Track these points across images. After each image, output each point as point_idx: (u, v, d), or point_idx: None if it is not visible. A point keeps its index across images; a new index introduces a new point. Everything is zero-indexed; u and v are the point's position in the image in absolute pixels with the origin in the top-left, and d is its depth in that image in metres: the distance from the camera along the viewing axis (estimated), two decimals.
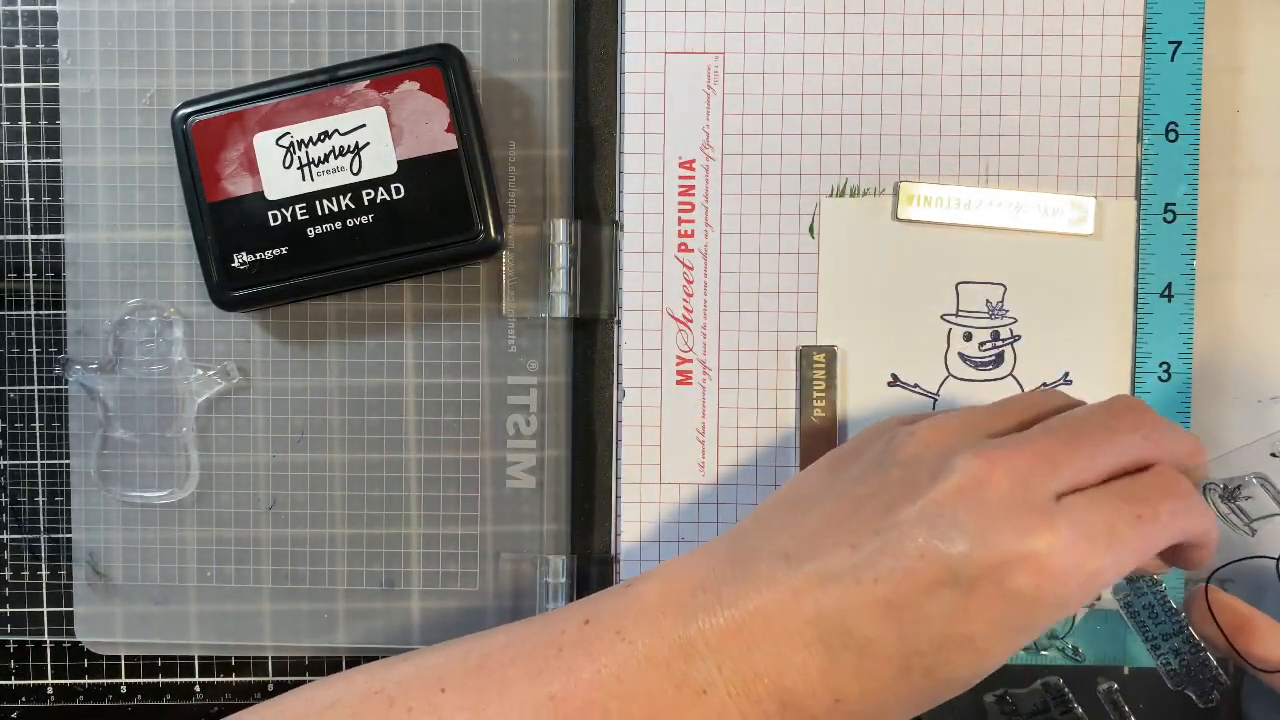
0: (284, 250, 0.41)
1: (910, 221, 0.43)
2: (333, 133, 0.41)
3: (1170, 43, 0.42)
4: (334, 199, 0.41)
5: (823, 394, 0.43)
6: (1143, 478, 0.33)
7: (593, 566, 0.44)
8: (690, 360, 0.43)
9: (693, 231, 0.43)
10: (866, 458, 0.35)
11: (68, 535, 0.44)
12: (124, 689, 0.45)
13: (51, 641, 0.45)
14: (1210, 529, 0.35)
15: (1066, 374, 0.43)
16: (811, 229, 0.43)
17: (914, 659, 0.31)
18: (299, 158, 0.41)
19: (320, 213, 0.41)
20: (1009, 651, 0.32)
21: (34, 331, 0.44)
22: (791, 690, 0.32)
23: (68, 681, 0.45)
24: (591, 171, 0.44)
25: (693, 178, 0.43)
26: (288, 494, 0.44)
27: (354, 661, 0.44)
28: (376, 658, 0.44)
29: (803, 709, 0.32)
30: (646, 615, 0.33)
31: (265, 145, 0.41)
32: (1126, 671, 0.44)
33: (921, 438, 0.34)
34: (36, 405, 0.44)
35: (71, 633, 0.44)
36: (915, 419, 0.36)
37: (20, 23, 0.43)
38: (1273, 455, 0.40)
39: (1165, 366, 0.42)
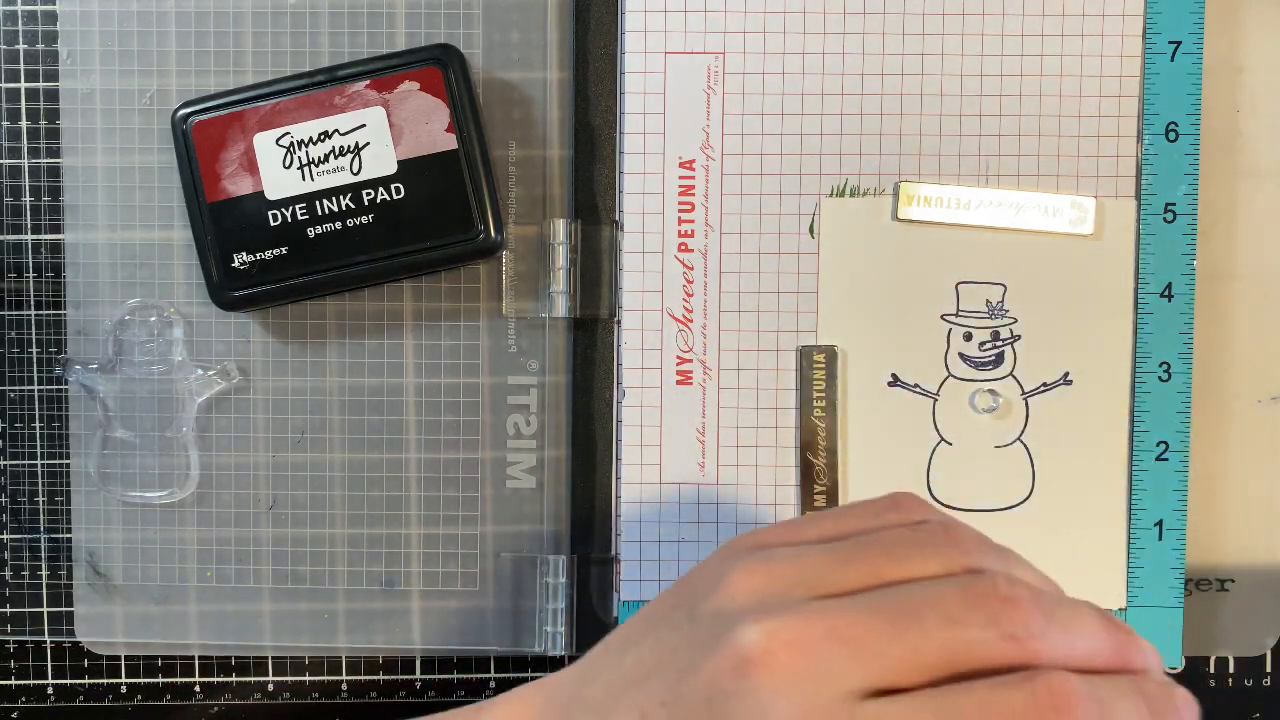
0: (284, 250, 0.41)
1: (910, 221, 0.43)
2: (333, 133, 0.41)
3: (1170, 43, 0.42)
4: (334, 199, 0.41)
5: (823, 394, 0.43)
6: (995, 693, 0.26)
7: (593, 566, 0.44)
8: (690, 360, 0.43)
9: (693, 231, 0.43)
10: (689, 595, 0.30)
11: (68, 535, 0.44)
12: (124, 689, 0.45)
13: (51, 641, 0.45)
14: None
15: (1066, 374, 0.43)
16: (811, 229, 0.43)
17: None
18: (299, 158, 0.41)
19: (320, 213, 0.41)
20: None
21: (34, 331, 0.44)
22: None
23: (68, 681, 0.45)
24: (591, 171, 0.44)
25: (693, 178, 0.43)
26: (288, 494, 0.44)
27: (354, 662, 0.44)
28: (376, 658, 0.44)
29: None
30: None
31: (265, 145, 0.41)
32: None
33: (735, 584, 0.29)
34: (36, 405, 0.44)
35: (71, 633, 0.44)
36: (763, 540, 0.31)
37: (20, 23, 0.43)
38: None
39: (1165, 366, 0.42)
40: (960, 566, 0.28)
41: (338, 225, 0.41)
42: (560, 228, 0.43)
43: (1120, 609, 0.43)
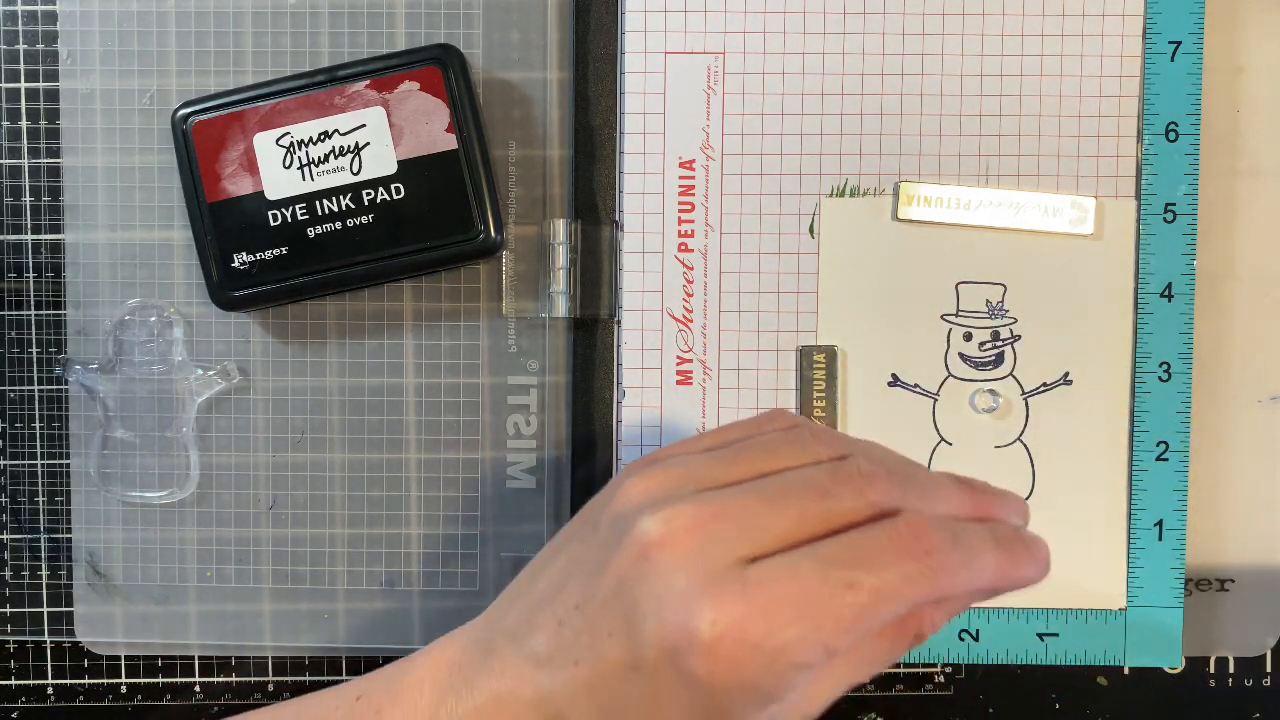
0: (284, 250, 0.41)
1: (910, 221, 0.43)
2: (333, 133, 0.41)
3: (1170, 43, 0.42)
4: (334, 199, 0.41)
5: (823, 394, 0.43)
6: (862, 535, 0.29)
7: None
8: (690, 360, 0.43)
9: (693, 231, 0.43)
10: (590, 513, 0.33)
11: (68, 535, 0.44)
12: (124, 689, 0.45)
13: (51, 641, 0.45)
14: (1006, 576, 0.31)
15: (1066, 374, 0.43)
16: (811, 229, 0.43)
17: None
18: (299, 158, 0.41)
19: (320, 213, 0.41)
20: None
21: (34, 331, 0.44)
22: None
23: (68, 681, 0.45)
24: (591, 171, 0.44)
25: (693, 178, 0.43)
26: (288, 494, 0.44)
27: (354, 661, 0.44)
28: (376, 658, 0.44)
29: None
30: (406, 694, 0.33)
31: (265, 145, 0.41)
32: (1126, 671, 0.44)
33: (629, 490, 0.31)
34: (36, 405, 0.44)
35: (71, 633, 0.44)
36: (655, 457, 0.33)
37: (20, 23, 0.43)
38: None
39: (1165, 366, 0.42)
40: (828, 457, 0.32)
41: (338, 225, 0.41)
42: (560, 228, 0.43)
43: (1120, 609, 0.43)
